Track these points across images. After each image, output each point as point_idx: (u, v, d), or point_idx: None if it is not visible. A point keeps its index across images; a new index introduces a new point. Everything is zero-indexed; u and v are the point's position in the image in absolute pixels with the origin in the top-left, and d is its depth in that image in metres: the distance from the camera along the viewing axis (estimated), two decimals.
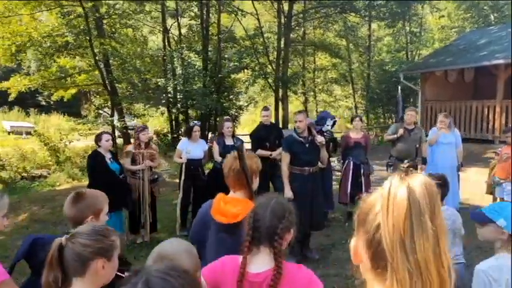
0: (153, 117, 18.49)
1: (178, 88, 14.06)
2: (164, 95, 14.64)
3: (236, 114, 16.13)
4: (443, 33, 23.02)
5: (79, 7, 13.85)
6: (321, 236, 5.55)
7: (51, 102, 29.19)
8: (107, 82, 14.10)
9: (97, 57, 13.06)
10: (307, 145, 4.76)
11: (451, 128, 6.68)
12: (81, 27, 12.81)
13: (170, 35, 16.73)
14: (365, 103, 20.50)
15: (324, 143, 4.81)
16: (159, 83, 14.37)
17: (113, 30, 15.68)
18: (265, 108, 6.30)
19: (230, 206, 2.39)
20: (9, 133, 23.25)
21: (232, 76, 14.97)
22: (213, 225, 2.40)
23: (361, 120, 6.14)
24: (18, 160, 13.51)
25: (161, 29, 16.85)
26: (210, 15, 15.47)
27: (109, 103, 14.12)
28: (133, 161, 5.19)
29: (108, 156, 4.82)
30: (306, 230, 4.71)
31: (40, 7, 13.95)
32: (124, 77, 14.70)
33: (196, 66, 14.94)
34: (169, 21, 17.07)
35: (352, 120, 6.27)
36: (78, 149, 13.87)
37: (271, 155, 5.81)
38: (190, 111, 15.86)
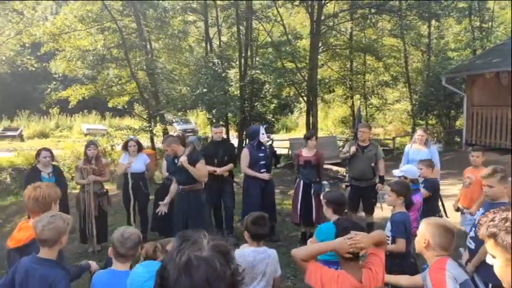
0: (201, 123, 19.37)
1: (216, 94, 14.54)
2: (200, 102, 15.23)
3: (272, 119, 16.21)
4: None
5: (132, 22, 15.25)
6: None
7: (126, 107, 32.26)
8: (149, 90, 15.25)
9: (133, 68, 14.16)
10: (178, 165, 4.89)
11: (428, 145, 6.12)
12: (117, 41, 13.99)
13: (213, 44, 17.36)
14: (418, 106, 19.10)
15: (184, 163, 4.80)
16: (198, 90, 15.02)
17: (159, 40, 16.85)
18: (216, 125, 6.43)
19: (22, 232, 2.75)
20: (85, 135, 26.13)
21: (266, 81, 15.06)
22: None
23: (316, 139, 5.90)
24: (72, 162, 15.22)
25: (203, 38, 17.60)
26: (246, 23, 15.75)
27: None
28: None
29: (47, 171, 5.36)
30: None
31: (93, 23, 15.56)
32: (166, 85, 15.71)
33: (232, 73, 15.39)
34: (212, 31, 17.71)
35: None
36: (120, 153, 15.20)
37: (215, 171, 5.87)
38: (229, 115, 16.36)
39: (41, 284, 2.40)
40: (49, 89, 17.70)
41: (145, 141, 16.56)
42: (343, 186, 6.23)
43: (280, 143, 15.41)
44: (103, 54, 14.74)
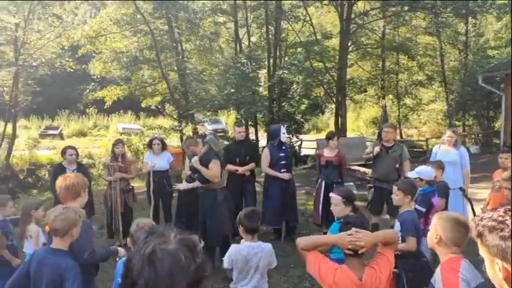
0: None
1: (243, 94, 14.65)
2: (229, 102, 15.38)
3: (301, 119, 16.14)
4: None
5: (164, 25, 15.66)
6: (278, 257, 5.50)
7: (159, 107, 33.13)
8: (179, 91, 15.58)
9: (164, 69, 14.50)
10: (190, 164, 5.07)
11: (457, 146, 5.91)
12: (150, 43, 14.37)
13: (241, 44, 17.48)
14: (454, 106, 18.40)
15: (195, 163, 4.95)
16: (226, 90, 15.17)
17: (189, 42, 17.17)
18: (239, 125, 6.45)
19: None
20: (121, 134, 26.98)
21: (294, 81, 15.01)
22: None
23: (337, 139, 5.83)
24: (107, 159, 15.75)
25: (233, 39, 17.74)
26: (276, 23, 15.76)
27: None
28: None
29: (72, 168, 5.60)
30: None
31: (126, 26, 16.08)
32: (196, 85, 15.98)
33: (261, 73, 15.44)
34: (241, 31, 17.83)
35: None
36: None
37: (236, 170, 5.92)
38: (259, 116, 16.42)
39: (52, 273, 2.54)
40: (88, 90, 18.40)
41: (175, 140, 16.95)
42: (368, 187, 6.11)
43: (310, 144, 15.33)
44: (136, 56, 15.19)
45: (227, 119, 26.33)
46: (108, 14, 17.11)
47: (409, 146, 13.32)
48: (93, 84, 19.09)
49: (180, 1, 15.44)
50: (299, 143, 16.02)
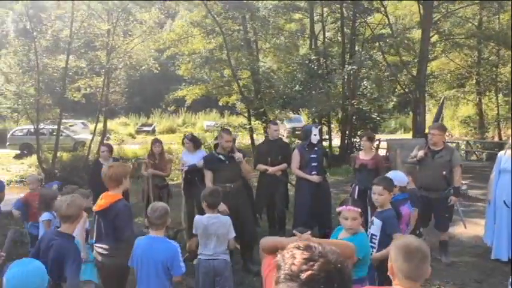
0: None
1: (312, 92, 14.22)
2: (300, 100, 15.04)
3: (377, 118, 15.10)
4: None
5: (234, 25, 16.00)
6: None
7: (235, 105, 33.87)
8: (250, 89, 15.72)
9: (236, 68, 14.70)
10: (227, 162, 4.85)
11: None
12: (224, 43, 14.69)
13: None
14: None
15: (241, 159, 4.76)
16: (296, 88, 14.88)
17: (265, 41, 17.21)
18: (273, 123, 6.17)
19: (102, 200, 3.42)
20: (205, 131, 28.29)
21: (366, 77, 14.04)
22: None
23: (369, 139, 5.22)
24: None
25: (309, 35, 17.30)
26: (353, 17, 14.96)
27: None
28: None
29: (107, 163, 5.86)
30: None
31: (201, 28, 16.72)
32: (268, 84, 15.95)
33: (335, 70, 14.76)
34: (317, 27, 17.30)
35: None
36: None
37: (266, 170, 5.70)
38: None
39: (57, 253, 2.87)
40: (179, 89, 19.48)
41: (246, 138, 17.16)
42: None
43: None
44: (207, 56, 15.68)
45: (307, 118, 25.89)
46: (191, 17, 18.04)
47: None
48: (184, 84, 20.18)
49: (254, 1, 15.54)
50: (376, 143, 15.00)
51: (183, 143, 6.40)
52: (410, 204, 3.91)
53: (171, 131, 30.07)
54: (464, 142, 16.22)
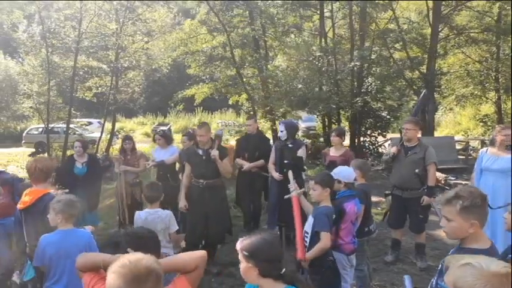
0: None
1: (317, 90, 13.85)
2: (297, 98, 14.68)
3: (387, 116, 14.57)
4: None
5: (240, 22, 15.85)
6: None
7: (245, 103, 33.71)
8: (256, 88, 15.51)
9: (241, 67, 14.52)
10: (203, 157, 4.70)
11: (508, 149, 4.48)
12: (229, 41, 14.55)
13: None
14: None
15: (216, 157, 4.59)
16: (300, 86, 14.57)
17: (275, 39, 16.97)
18: (249, 117, 6.05)
19: (26, 197, 3.33)
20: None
21: (369, 74, 13.54)
22: None
23: (339, 135, 4.92)
24: None
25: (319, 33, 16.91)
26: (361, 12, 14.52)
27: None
28: None
29: (82, 161, 5.80)
30: (197, 242, 4.67)
31: (208, 26, 16.65)
32: (274, 82, 15.68)
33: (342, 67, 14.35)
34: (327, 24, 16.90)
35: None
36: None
37: (242, 167, 5.60)
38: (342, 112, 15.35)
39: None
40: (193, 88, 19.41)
41: None
42: (384, 194, 5.03)
43: None
44: (211, 54, 15.58)
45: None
46: (202, 16, 17.98)
47: None
48: (188, 83, 20.15)
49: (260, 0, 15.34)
50: (388, 142, 14.46)
51: (154, 140, 6.37)
52: (359, 201, 3.61)
53: (187, 130, 30.26)
54: (477, 141, 15.44)
